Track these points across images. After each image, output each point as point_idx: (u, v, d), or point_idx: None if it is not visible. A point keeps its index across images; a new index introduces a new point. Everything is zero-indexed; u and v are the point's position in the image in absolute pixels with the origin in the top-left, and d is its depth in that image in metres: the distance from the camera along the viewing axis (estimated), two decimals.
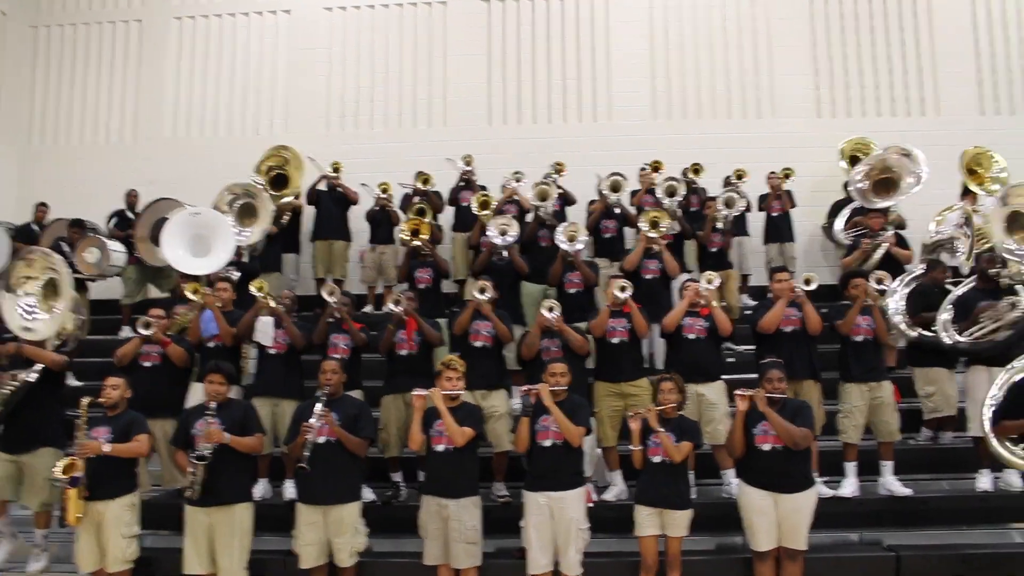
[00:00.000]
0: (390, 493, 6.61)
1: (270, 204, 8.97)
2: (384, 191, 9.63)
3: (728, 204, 8.55)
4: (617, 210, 8.57)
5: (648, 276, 7.44)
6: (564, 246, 7.33)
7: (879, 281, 6.54)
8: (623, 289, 6.50)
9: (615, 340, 6.55)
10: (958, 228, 8.43)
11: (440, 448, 5.55)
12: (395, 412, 6.59)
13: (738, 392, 5.52)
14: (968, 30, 11.15)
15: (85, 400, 5.71)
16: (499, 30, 11.53)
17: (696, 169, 9.41)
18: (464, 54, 11.49)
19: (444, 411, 5.50)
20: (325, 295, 6.72)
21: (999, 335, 6.36)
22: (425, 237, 7.82)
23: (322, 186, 9.91)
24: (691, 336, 6.52)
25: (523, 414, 5.65)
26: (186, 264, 7.80)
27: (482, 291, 6.63)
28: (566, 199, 9.25)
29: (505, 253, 7.59)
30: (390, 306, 6.54)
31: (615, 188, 8.41)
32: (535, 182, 8.44)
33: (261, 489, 6.52)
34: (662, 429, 5.49)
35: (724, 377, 6.66)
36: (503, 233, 7.53)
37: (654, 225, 7.40)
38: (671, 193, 8.44)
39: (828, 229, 10.13)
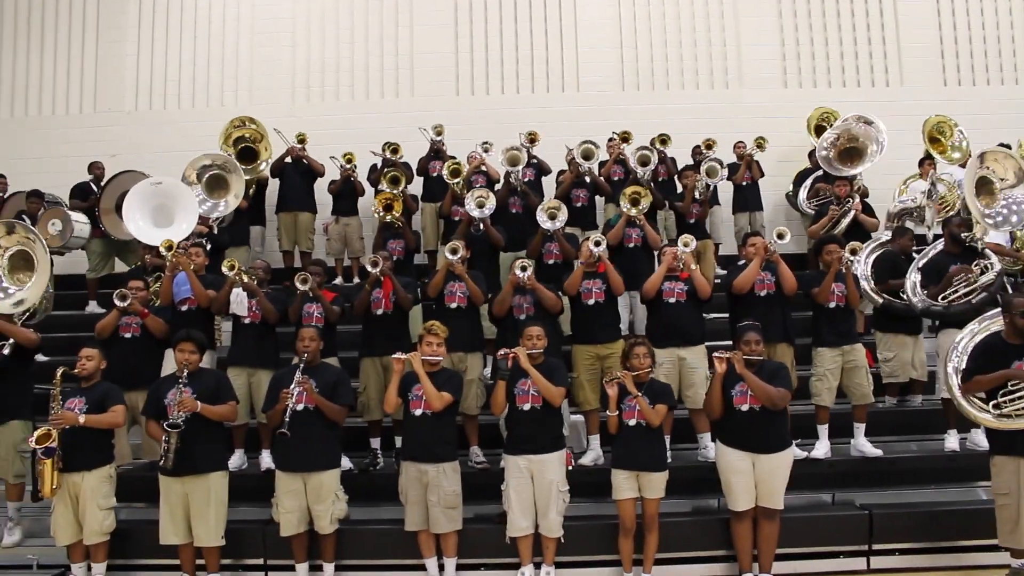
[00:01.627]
0: (368, 461, 6.58)
1: (242, 175, 8.78)
2: (348, 161, 9.48)
3: (710, 174, 8.44)
4: (588, 179, 8.53)
5: (630, 244, 7.41)
6: (546, 225, 7.18)
7: (853, 252, 6.52)
8: (597, 244, 6.47)
9: (590, 302, 6.54)
10: (924, 196, 8.56)
11: (418, 412, 5.54)
12: (374, 375, 6.56)
13: (716, 354, 5.56)
14: (931, 2, 11.30)
15: (59, 371, 5.62)
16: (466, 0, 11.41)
17: (663, 139, 9.40)
18: (431, 24, 11.33)
19: (423, 375, 5.49)
20: (299, 284, 6.56)
21: (974, 298, 6.47)
22: (397, 213, 7.71)
23: (288, 158, 9.74)
24: (671, 300, 6.49)
25: (500, 378, 5.65)
26: (148, 235, 7.59)
27: (454, 252, 6.57)
28: (541, 169, 9.18)
29: (481, 225, 7.49)
30: (367, 266, 6.48)
31: (587, 156, 8.33)
32: (505, 147, 8.31)
33: (237, 459, 6.47)
34: (639, 393, 5.53)
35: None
36: (480, 206, 7.38)
37: (635, 203, 7.32)
38: (644, 162, 8.32)
39: (792, 198, 10.25)
